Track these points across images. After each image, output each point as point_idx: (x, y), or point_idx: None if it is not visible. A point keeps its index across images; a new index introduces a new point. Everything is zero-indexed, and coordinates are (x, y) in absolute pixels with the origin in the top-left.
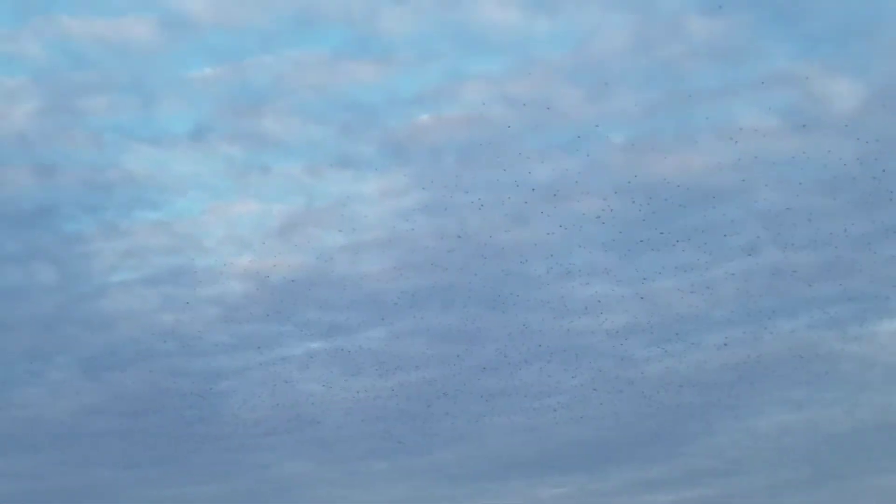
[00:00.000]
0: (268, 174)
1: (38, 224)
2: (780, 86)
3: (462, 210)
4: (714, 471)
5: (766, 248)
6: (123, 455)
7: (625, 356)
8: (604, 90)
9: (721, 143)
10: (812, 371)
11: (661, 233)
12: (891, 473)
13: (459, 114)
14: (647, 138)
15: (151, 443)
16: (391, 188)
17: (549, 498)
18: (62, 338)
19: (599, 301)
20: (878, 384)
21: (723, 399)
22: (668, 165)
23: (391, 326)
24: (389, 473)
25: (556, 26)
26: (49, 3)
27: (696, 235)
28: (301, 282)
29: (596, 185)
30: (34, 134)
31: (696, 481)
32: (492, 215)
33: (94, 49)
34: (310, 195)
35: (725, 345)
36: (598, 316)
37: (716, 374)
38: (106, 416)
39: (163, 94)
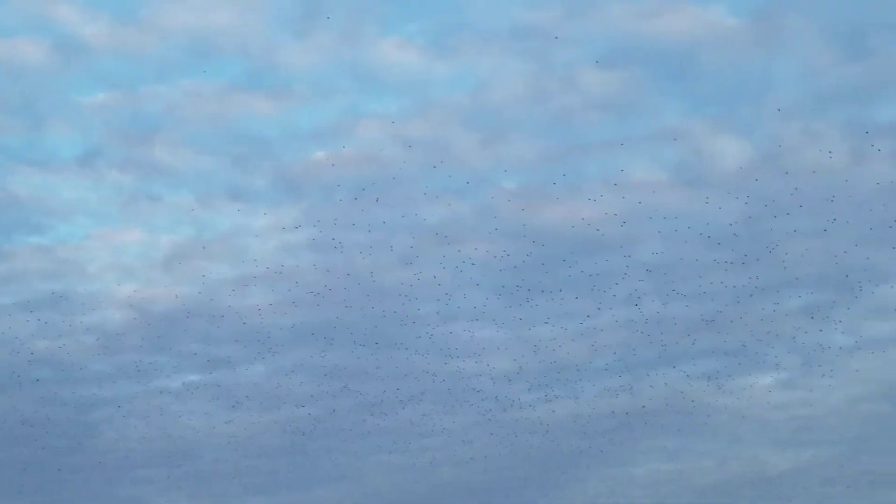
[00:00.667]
0: (157, 203)
1: None
2: (669, 141)
3: (352, 249)
4: None
5: (649, 300)
6: None
7: (506, 400)
8: (498, 136)
9: (610, 194)
10: (687, 422)
11: (548, 280)
12: None
13: (355, 152)
14: (538, 186)
15: (21, 472)
16: (282, 223)
17: None
18: None
19: (484, 345)
20: (748, 437)
21: (600, 446)
22: (558, 214)
23: (274, 362)
24: None
25: (455, 70)
26: None
27: (582, 284)
28: (184, 313)
29: (486, 230)
30: None
31: None
32: (381, 255)
33: None
34: (199, 226)
35: (605, 393)
36: (482, 359)
37: (594, 422)
38: None
39: (53, 117)
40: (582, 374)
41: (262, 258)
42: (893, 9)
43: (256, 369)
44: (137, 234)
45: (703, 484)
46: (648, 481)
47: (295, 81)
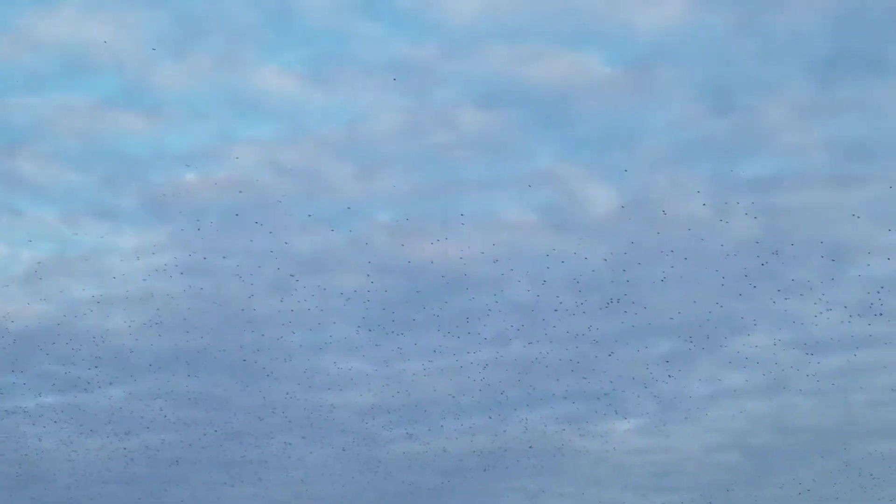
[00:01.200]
0: (19, 218)
1: None
2: (542, 184)
3: (221, 274)
4: None
5: (516, 340)
6: None
7: (369, 435)
8: (373, 169)
9: (481, 234)
10: (547, 463)
11: (418, 315)
12: None
13: (227, 176)
14: (411, 221)
15: None
16: (149, 245)
17: None
18: None
19: (349, 378)
20: (608, 481)
21: (462, 484)
22: (430, 249)
23: (134, 386)
24: None
25: (332, 101)
26: None
27: (450, 321)
28: (42, 332)
29: (359, 262)
30: None
31: None
32: (251, 282)
33: None
34: (63, 243)
35: (468, 431)
36: (347, 392)
37: (457, 460)
38: None
39: None
40: (446, 412)
41: (127, 280)
42: (760, 67)
43: (115, 393)
44: None
45: None
46: None
47: (169, 102)
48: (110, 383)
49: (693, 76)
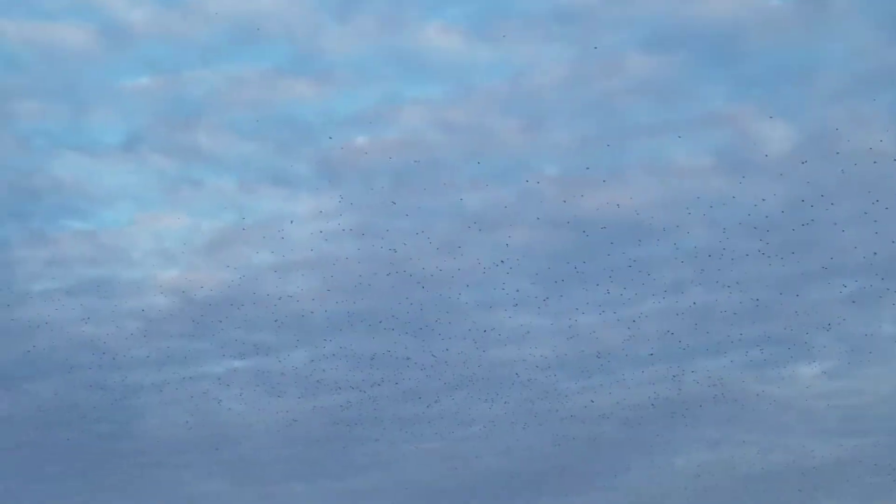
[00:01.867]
0: (199, 189)
1: None
2: (714, 126)
3: (393, 235)
4: None
5: (692, 288)
6: (34, 468)
7: (547, 388)
8: (539, 122)
9: (653, 181)
10: (730, 411)
11: (589, 267)
12: None
13: (396, 137)
14: (579, 172)
15: (63, 456)
16: (323, 209)
17: None
18: None
19: (524, 332)
20: (793, 427)
21: (641, 435)
22: (600, 200)
23: (314, 349)
24: (306, 497)
25: (497, 55)
26: None
27: (624, 271)
28: (226, 299)
29: (528, 217)
30: None
31: None
32: (422, 241)
33: (25, 52)
34: (241, 212)
35: (647, 381)
36: (522, 347)
37: (636, 411)
38: (18, 426)
39: (96, 102)
40: (624, 363)
41: (304, 244)
42: None
43: (297, 356)
44: (180, 219)
45: (745, 474)
46: (690, 471)
47: (337, 66)
48: (293, 347)
49: (871, 4)
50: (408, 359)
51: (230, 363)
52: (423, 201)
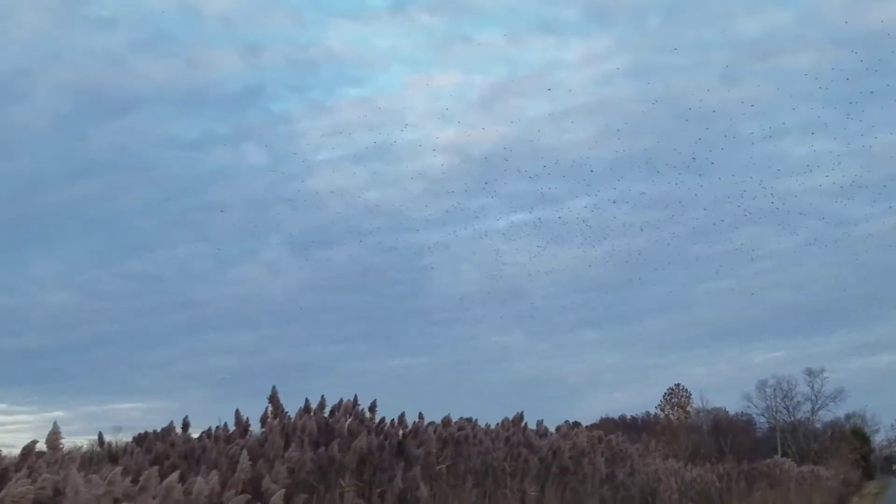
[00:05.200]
0: (469, 44)
1: (247, 105)
2: None
3: (667, 71)
4: None
5: None
6: (334, 330)
7: (841, 216)
8: None
9: None
10: None
11: (884, 84)
12: None
13: None
14: None
15: (361, 318)
16: (594, 53)
17: (763, 362)
18: (273, 217)
19: (813, 159)
20: None
21: None
22: (890, 11)
23: (596, 195)
24: (599, 343)
25: None
26: None
27: None
28: (504, 153)
29: (809, 38)
30: (236, 15)
31: None
32: (698, 75)
33: None
34: (512, 64)
35: None
36: (812, 175)
37: None
38: (317, 293)
39: None
40: None
41: (577, 90)
42: None
43: (579, 203)
44: (452, 77)
45: None
46: None
47: None
48: (573, 195)
49: None
50: (690, 197)
51: (512, 216)
52: (696, 34)
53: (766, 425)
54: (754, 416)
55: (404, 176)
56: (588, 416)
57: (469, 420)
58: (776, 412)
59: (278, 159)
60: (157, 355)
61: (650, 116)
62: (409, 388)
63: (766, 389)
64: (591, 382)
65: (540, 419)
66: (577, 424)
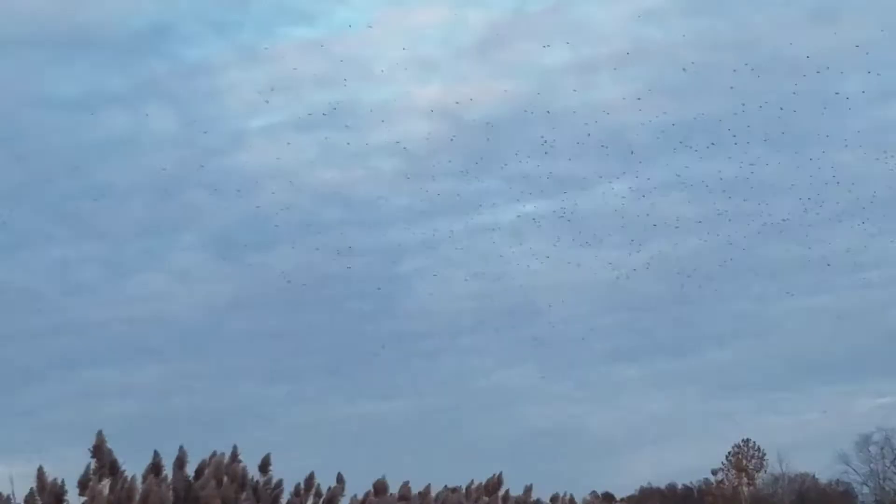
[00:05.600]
0: None
1: (150, 50)
2: None
3: (736, 6)
4: None
5: None
6: (272, 365)
7: None
8: None
9: None
10: None
11: None
12: None
13: None
14: None
15: (311, 348)
16: None
17: (868, 411)
18: (186, 207)
19: None
20: None
21: None
22: None
23: (636, 177)
24: (640, 382)
25: None
26: None
27: None
28: (509, 118)
29: None
30: None
31: None
32: (780, 11)
33: None
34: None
35: None
36: None
37: None
38: (248, 312)
39: None
40: None
41: (611, 32)
42: None
43: (614, 189)
44: (437, 12)
45: None
46: None
47: None
48: (607, 179)
49: None
50: (770, 181)
51: (522, 207)
52: None
53: (872, 498)
54: (854, 484)
55: (371, 150)
56: (624, 484)
57: (426, 489)
58: (884, 479)
59: (194, 126)
60: (18, 399)
61: (712, 69)
62: (375, 444)
63: (871, 448)
64: (628, 437)
65: (529, 484)
66: (609, 497)
